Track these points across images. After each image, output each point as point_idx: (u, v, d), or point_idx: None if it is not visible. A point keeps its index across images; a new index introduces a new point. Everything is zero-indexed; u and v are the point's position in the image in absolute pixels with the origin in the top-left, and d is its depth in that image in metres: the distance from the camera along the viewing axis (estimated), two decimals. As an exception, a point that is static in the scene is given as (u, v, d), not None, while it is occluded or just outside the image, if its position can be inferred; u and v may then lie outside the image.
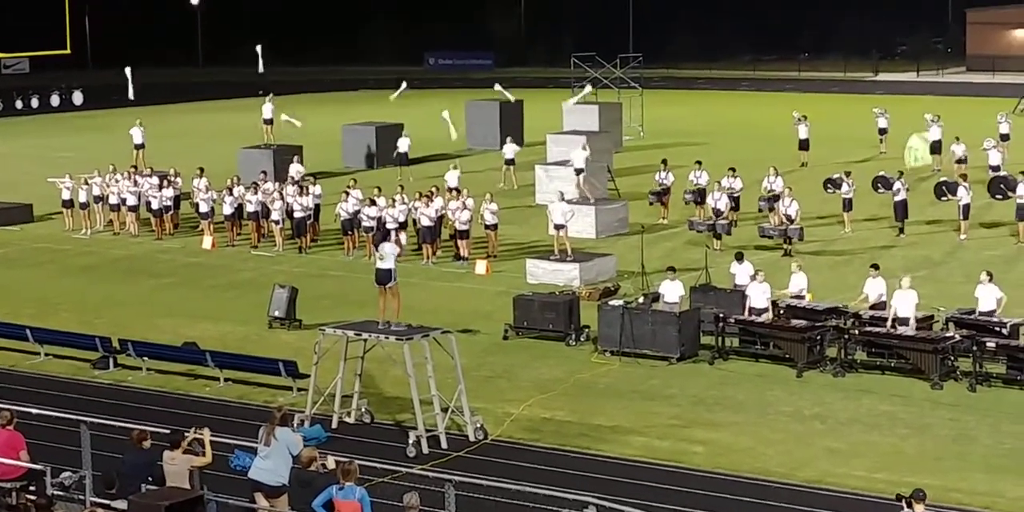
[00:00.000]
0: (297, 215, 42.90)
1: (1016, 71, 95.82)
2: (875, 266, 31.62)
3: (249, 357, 29.76)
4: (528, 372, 29.89)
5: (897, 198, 42.84)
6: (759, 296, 30.71)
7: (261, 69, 60.87)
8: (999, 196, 44.17)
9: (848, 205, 43.70)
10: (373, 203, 41.25)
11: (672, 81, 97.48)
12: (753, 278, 31.31)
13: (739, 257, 33.49)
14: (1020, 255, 40.36)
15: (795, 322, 30.07)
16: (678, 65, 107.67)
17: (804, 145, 56.08)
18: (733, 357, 30.31)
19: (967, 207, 42.24)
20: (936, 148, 53.86)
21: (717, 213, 41.86)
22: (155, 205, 45.53)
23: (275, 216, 43.33)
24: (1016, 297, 31.50)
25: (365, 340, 26.02)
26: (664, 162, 47.14)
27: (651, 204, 46.24)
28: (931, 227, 43.85)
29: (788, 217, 41.15)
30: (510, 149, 54.01)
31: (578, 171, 46.11)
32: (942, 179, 45.39)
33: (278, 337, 32.97)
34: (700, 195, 44.75)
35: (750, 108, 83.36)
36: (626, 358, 30.35)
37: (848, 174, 44.53)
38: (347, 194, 42.33)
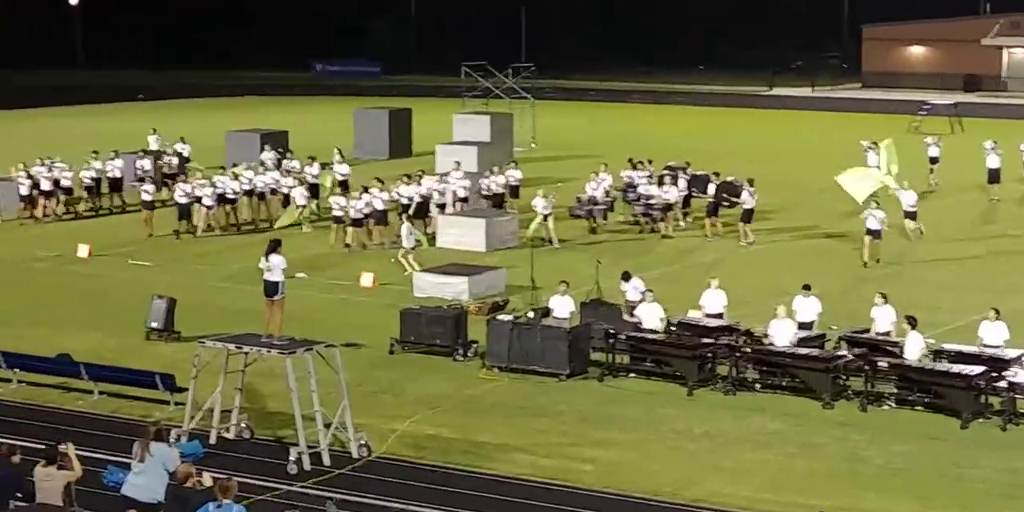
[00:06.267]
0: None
1: (911, 88, 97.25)
2: (883, 295, 31.16)
3: (125, 369, 29.39)
4: (414, 387, 29.81)
5: (746, 206, 44.35)
6: (651, 317, 30.86)
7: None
8: (725, 203, 45.90)
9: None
10: (366, 190, 44.19)
11: (563, 92, 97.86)
12: (643, 296, 31.53)
13: (626, 276, 33.59)
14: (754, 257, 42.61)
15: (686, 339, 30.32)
16: (568, 76, 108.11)
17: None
18: (623, 374, 30.44)
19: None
20: None
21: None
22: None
23: (207, 201, 46.37)
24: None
25: (246, 353, 25.82)
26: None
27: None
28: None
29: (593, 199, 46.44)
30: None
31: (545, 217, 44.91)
32: (729, 179, 46.87)
33: (156, 349, 32.63)
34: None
35: (643, 121, 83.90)
36: (514, 374, 30.36)
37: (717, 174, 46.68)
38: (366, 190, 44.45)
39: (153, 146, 58.25)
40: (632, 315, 31.54)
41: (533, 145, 68.34)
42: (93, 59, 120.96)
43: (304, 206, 46.80)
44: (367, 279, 39.17)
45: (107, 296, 38.42)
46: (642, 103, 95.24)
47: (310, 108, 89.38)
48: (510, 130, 63.65)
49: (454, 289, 37.16)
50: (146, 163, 52.83)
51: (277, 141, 58.63)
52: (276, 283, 25.97)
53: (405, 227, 40.80)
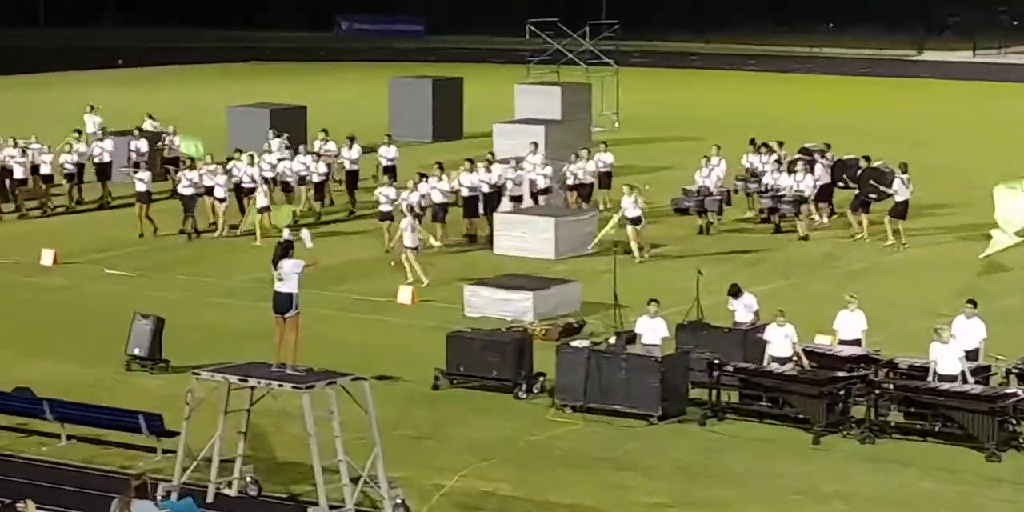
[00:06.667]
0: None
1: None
2: (971, 302, 31.33)
3: (100, 408, 29.61)
4: (465, 432, 29.93)
5: (898, 198, 44.62)
6: (781, 341, 30.77)
7: None
8: (872, 195, 46.09)
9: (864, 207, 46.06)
10: (423, 178, 44.91)
11: (655, 56, 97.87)
12: (755, 315, 31.56)
13: (735, 292, 33.42)
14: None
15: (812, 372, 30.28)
16: (663, 37, 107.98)
17: None
18: (731, 416, 30.43)
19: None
20: None
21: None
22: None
23: (220, 193, 47.24)
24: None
25: (252, 388, 25.93)
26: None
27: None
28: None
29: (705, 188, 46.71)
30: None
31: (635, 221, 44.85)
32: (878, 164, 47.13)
33: (138, 382, 32.88)
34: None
35: (756, 93, 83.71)
36: (592, 416, 30.41)
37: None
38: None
39: (89, 128, 58.12)
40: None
41: (616, 123, 68.36)
42: (54, 17, 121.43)
43: (267, 210, 45.90)
44: (405, 294, 39.26)
45: (78, 315, 38.71)
46: (756, 71, 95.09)
47: (333, 77, 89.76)
48: (587, 104, 63.54)
49: (515, 307, 37.26)
50: (142, 145, 53.15)
51: (291, 119, 58.74)
52: (289, 295, 26.02)
53: (406, 221, 40.83)
